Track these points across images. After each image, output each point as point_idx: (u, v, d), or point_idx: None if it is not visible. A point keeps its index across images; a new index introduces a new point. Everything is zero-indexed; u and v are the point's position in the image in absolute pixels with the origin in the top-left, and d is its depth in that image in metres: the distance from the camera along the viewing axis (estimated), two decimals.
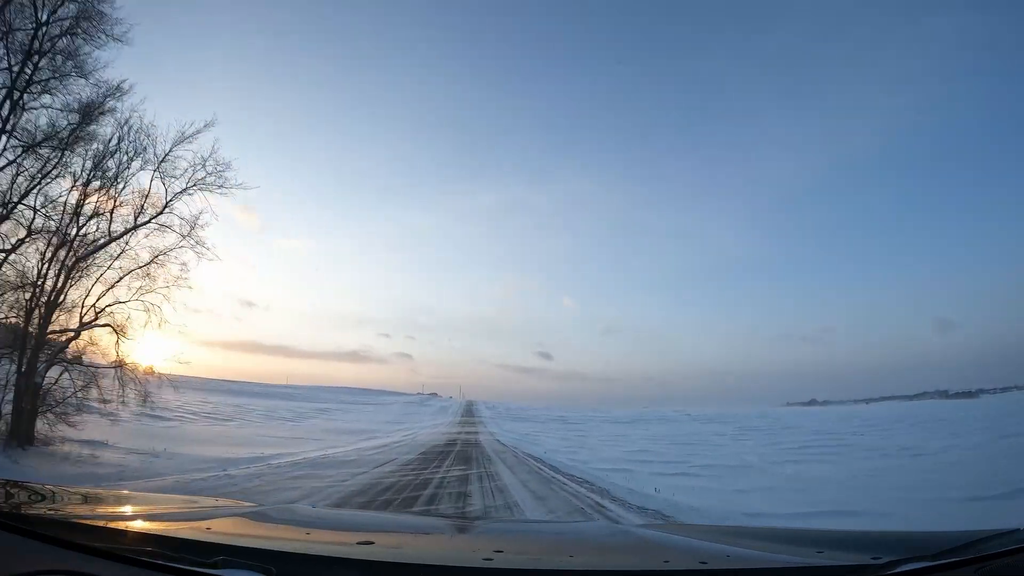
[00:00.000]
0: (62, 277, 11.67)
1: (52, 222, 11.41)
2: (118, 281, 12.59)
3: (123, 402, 12.75)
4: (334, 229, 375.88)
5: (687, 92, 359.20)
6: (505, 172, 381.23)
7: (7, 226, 10.88)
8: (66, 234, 11.64)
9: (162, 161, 12.34)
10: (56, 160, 11.20)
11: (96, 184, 12.06)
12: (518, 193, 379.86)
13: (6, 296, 11.18)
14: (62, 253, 11.60)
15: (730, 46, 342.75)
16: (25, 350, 10.83)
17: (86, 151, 11.74)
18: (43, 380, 11.25)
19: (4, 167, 10.47)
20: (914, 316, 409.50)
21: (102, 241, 12.23)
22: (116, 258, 12.41)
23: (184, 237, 12.82)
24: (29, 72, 10.41)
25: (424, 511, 7.00)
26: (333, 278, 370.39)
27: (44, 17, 10.37)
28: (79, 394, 11.75)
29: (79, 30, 10.85)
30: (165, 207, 12.55)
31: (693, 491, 8.98)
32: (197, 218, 12.85)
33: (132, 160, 12.29)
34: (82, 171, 11.80)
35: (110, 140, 12.02)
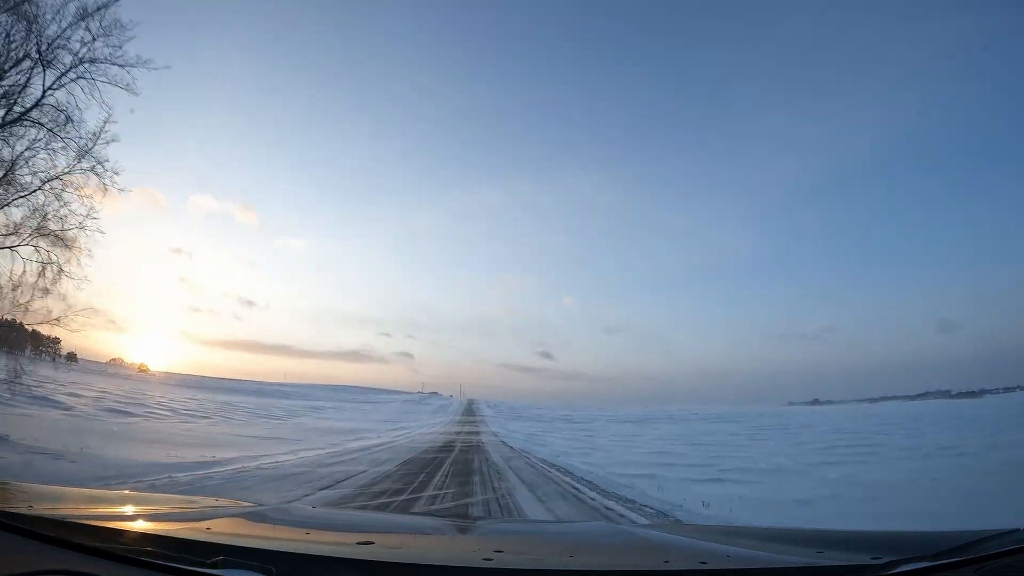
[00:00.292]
0: None
1: None
2: None
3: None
4: (334, 228, 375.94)
5: (688, 92, 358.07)
6: (506, 171, 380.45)
7: None
8: None
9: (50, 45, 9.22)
10: None
11: None
12: (519, 192, 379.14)
13: None
14: None
15: (731, 46, 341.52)
16: None
17: None
18: None
19: None
20: (915, 316, 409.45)
21: None
22: None
23: (83, 156, 9.70)
24: None
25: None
26: (334, 277, 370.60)
27: None
28: None
29: None
30: (42, 97, 9.37)
31: (745, 503, 7.68)
32: (102, 130, 9.84)
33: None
34: None
35: None
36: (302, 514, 2.05)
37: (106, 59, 9.75)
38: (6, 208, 9.60)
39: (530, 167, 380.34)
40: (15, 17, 9.02)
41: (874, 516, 6.70)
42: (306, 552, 1.11)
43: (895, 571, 0.95)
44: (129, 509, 1.65)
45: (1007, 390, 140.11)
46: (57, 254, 10.01)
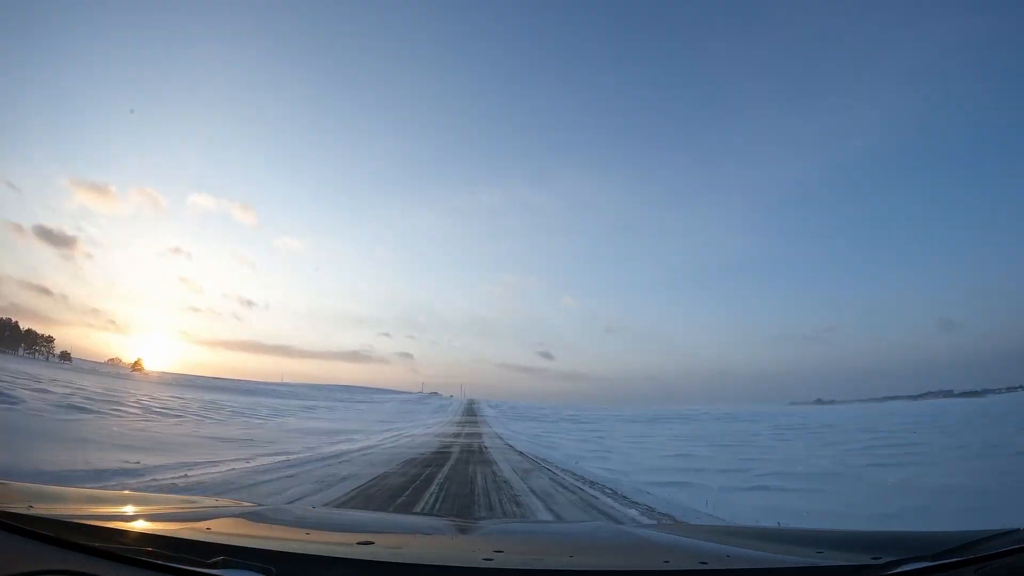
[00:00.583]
0: None
1: None
2: None
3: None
4: (334, 228, 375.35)
5: (688, 92, 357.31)
6: (506, 171, 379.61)
7: None
8: None
9: None
10: None
11: None
12: (519, 192, 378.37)
13: None
14: None
15: (731, 46, 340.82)
16: None
17: None
18: None
19: None
20: (916, 316, 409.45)
21: None
22: None
23: None
24: None
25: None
26: (333, 277, 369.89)
27: None
28: None
29: None
30: None
31: (814, 520, 6.13)
32: None
33: None
34: None
35: None
36: (302, 514, 2.07)
37: None
38: None
39: (530, 167, 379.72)
40: None
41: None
42: (306, 552, 1.11)
43: (895, 571, 0.95)
44: (129, 509, 1.65)
45: (1010, 390, 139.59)
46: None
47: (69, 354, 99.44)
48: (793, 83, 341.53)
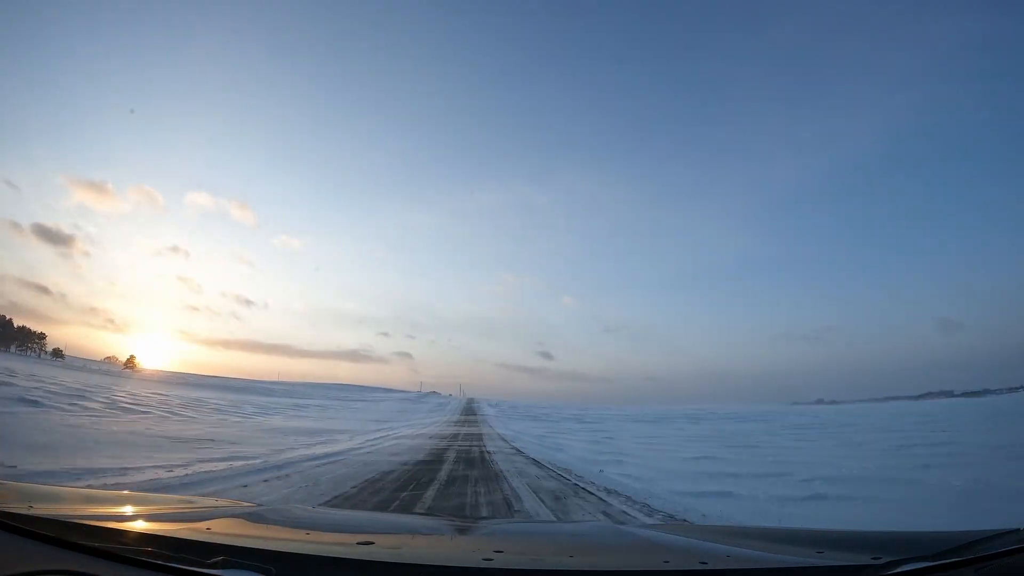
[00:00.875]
0: None
1: None
2: None
3: None
4: (333, 227, 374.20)
5: (688, 92, 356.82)
6: (506, 171, 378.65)
7: None
8: None
9: None
10: None
11: None
12: (518, 192, 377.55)
13: None
14: None
15: (731, 46, 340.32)
16: None
17: None
18: None
19: None
20: (916, 316, 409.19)
21: None
22: None
23: None
24: None
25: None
26: (332, 277, 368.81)
27: None
28: None
29: None
30: None
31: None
32: None
33: None
34: None
35: None
36: (302, 514, 2.06)
37: None
38: None
39: (529, 166, 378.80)
40: None
41: None
42: (306, 552, 1.09)
43: (895, 571, 0.95)
44: (129, 509, 1.65)
45: (1010, 390, 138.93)
46: None
47: (61, 351, 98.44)
48: (794, 83, 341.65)
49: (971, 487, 8.20)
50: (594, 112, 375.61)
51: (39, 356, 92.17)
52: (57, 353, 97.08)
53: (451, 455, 14.39)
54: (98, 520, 1.18)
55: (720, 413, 58.54)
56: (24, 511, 1.13)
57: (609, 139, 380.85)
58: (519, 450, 16.83)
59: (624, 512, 6.73)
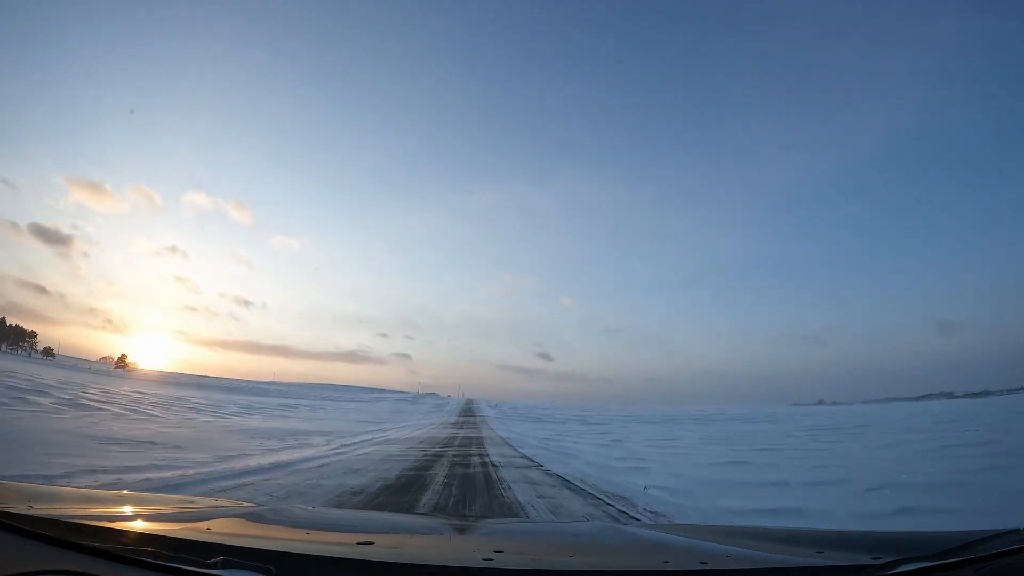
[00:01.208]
0: None
1: None
2: None
3: None
4: (331, 228, 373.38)
5: (687, 94, 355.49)
6: (505, 171, 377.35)
7: None
8: None
9: None
10: None
11: None
12: (518, 192, 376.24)
13: None
14: None
15: (731, 48, 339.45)
16: None
17: None
18: None
19: None
20: (916, 317, 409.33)
21: None
22: None
23: None
24: None
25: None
26: (331, 277, 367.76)
27: None
28: None
29: None
30: None
31: None
32: None
33: None
34: None
35: None
36: (302, 514, 2.04)
37: None
38: None
39: (529, 167, 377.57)
40: None
41: None
42: (306, 552, 1.09)
43: (895, 571, 0.94)
44: (129, 509, 1.64)
45: (1011, 391, 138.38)
46: None
47: (52, 350, 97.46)
48: (795, 83, 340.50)
49: None
50: (594, 114, 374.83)
51: (29, 355, 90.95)
52: (47, 352, 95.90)
53: (447, 459, 12.69)
54: (98, 520, 1.18)
55: (729, 414, 57.07)
56: (24, 511, 1.13)
57: (609, 141, 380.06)
58: (528, 456, 14.39)
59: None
